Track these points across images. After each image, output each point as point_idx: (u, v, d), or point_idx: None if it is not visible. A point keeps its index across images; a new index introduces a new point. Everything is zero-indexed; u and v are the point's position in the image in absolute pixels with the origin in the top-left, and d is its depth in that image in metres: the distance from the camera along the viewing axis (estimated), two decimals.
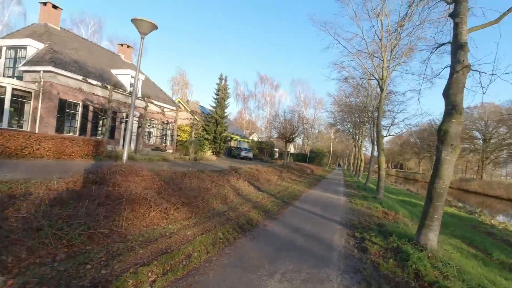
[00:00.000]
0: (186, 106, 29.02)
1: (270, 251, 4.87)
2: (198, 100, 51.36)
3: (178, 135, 26.08)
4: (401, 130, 21.82)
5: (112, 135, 16.23)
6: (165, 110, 19.90)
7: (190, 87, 51.11)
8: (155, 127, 20.87)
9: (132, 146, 18.50)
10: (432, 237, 5.56)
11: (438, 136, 5.68)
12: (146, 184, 6.26)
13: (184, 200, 6.42)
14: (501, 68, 4.96)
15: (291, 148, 65.74)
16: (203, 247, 4.56)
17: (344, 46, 14.96)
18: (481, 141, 51.82)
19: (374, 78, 15.01)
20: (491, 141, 49.97)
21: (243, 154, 31.94)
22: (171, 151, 21.43)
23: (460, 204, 25.03)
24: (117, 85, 15.24)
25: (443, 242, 7.60)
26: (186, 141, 21.68)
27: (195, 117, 24.73)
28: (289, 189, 13.66)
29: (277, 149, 53.28)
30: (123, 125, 17.36)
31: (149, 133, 20.65)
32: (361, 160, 31.52)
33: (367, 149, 41.42)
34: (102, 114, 14.82)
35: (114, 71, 18.52)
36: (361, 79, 17.83)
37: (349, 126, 33.37)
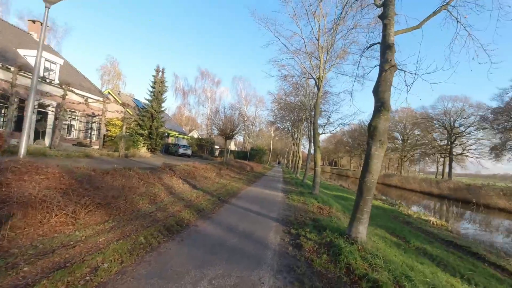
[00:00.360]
0: (117, 98, 26.37)
1: (199, 255, 4.35)
2: (132, 93, 47.50)
3: (107, 130, 23.57)
4: (335, 128, 23.20)
5: (18, 127, 13.69)
6: (90, 100, 17.62)
7: (124, 78, 46.61)
8: (77, 119, 18.36)
9: (47, 140, 15.98)
10: (362, 230, 5.69)
11: (369, 132, 5.83)
12: (50, 183, 5.16)
13: (100, 201, 5.48)
14: (422, 69, 5.24)
15: (232, 145, 65.73)
16: (117, 256, 3.84)
17: (284, 44, 15.10)
18: (401, 141, 58.76)
19: (312, 77, 15.48)
20: (408, 141, 57.11)
21: (181, 151, 30.47)
22: (97, 147, 19.16)
23: (384, 197, 27.73)
24: (24, 68, 12.80)
25: (370, 233, 8.01)
26: (116, 136, 19.63)
27: (128, 110, 22.64)
28: (227, 187, 13.24)
29: (218, 147, 52.56)
30: (34, 116, 14.72)
31: (70, 126, 18.07)
32: (299, 158, 32.78)
33: (305, 147, 43.46)
34: (4, 101, 12.32)
35: (22, 52, 15.60)
36: (299, 77, 18.33)
37: (288, 124, 34.38)
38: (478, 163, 48.21)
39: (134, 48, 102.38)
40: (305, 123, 28.79)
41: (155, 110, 27.06)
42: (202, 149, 40.69)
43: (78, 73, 20.67)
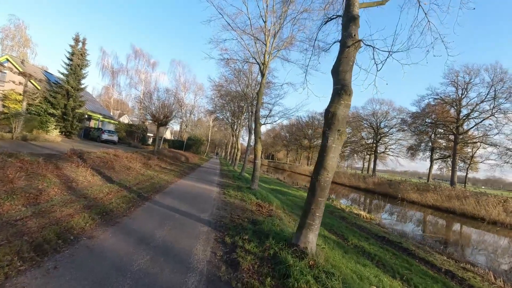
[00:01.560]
0: (18, 67, 21.32)
1: None
2: (46, 66, 40.10)
3: (4, 106, 18.95)
4: (279, 119, 22.70)
5: None
6: None
7: (34, 46, 37.83)
8: None
9: None
10: (312, 238, 4.64)
11: (326, 119, 4.78)
12: None
13: None
14: (391, 46, 4.35)
15: (167, 134, 61.53)
16: None
17: (227, 22, 13.47)
18: None
19: (256, 62, 14.24)
20: None
21: (105, 136, 26.56)
22: None
23: None
24: None
25: None
26: (9, 113, 15.61)
27: (33, 81, 18.46)
28: (153, 179, 11.26)
29: (152, 134, 48.44)
30: None
31: None
32: (237, 149, 31.70)
33: (244, 139, 42.60)
34: None
35: None
36: (243, 62, 16.92)
37: (228, 114, 32.96)
38: (396, 161, 54.02)
39: (50, 15, 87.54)
40: (245, 114, 27.71)
41: (72, 87, 22.83)
42: (132, 136, 36.60)
43: None
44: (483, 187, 71.05)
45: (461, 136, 37.05)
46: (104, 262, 3.47)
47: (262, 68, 13.45)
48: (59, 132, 21.08)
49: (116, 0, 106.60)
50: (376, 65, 4.44)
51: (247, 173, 22.58)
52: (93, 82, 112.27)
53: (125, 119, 52.70)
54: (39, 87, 21.58)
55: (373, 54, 4.44)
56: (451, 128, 37.98)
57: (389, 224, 16.55)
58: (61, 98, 22.21)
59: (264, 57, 13.44)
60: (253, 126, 18.30)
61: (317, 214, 4.61)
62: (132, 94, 52.25)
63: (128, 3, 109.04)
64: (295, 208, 13.36)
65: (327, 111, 4.73)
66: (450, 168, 40.11)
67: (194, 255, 4.17)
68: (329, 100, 4.90)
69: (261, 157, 14.01)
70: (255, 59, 13.98)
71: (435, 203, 27.11)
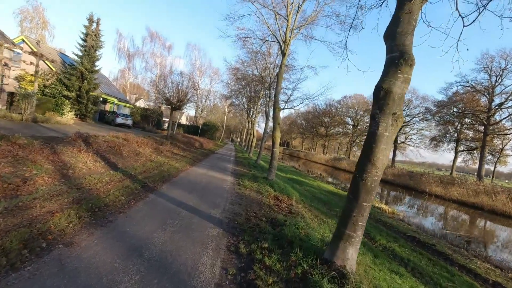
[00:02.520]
0: (32, 47, 20.79)
1: None
2: (63, 48, 39.94)
3: (20, 87, 18.59)
4: (301, 103, 21.40)
5: None
6: None
7: (52, 29, 37.68)
8: None
9: None
10: (352, 254, 3.57)
11: (375, 99, 3.58)
12: None
13: None
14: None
15: (183, 119, 61.14)
16: None
17: None
18: (351, 127, 60.24)
19: (276, 41, 12.93)
20: (358, 127, 58.74)
21: (119, 120, 26.12)
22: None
23: (336, 181, 27.27)
24: None
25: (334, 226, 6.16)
26: (18, 94, 15.08)
27: (47, 62, 17.88)
28: (163, 166, 10.42)
29: (167, 119, 48.10)
30: None
31: None
32: (253, 136, 30.67)
33: (260, 125, 41.49)
34: None
35: None
36: (261, 41, 15.54)
37: (244, 100, 31.83)
38: (417, 151, 51.45)
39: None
40: (262, 99, 26.46)
41: (86, 69, 22.22)
42: (147, 120, 36.20)
43: None
44: (506, 181, 67.38)
45: (491, 127, 34.37)
46: (74, 286, 2.54)
47: (283, 47, 12.15)
48: (74, 114, 20.68)
49: None
50: (462, 18, 3.16)
51: (262, 160, 21.60)
52: (109, 66, 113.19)
53: (141, 103, 52.48)
54: (53, 68, 21.10)
55: (456, 6, 3.15)
56: (481, 118, 35.26)
57: (414, 220, 15.28)
58: (76, 80, 21.69)
59: (285, 34, 12.12)
60: (271, 112, 17.14)
61: (360, 223, 3.53)
62: (148, 78, 51.75)
63: None
64: (314, 201, 12.29)
65: (378, 87, 3.54)
66: (476, 161, 37.67)
67: (199, 273, 3.19)
68: (374, 75, 3.72)
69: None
70: (275, 36, 12.68)
71: (461, 198, 25.37)
